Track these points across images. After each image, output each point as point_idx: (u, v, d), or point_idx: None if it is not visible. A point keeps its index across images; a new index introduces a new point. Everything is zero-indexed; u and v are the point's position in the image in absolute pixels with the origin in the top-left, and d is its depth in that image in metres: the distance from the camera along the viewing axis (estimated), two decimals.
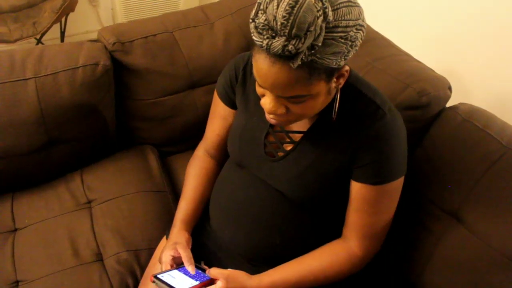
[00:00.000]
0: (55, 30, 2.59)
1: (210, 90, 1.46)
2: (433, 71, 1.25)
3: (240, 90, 1.09)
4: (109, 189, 1.34)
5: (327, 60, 0.76)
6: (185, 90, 1.46)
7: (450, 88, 1.21)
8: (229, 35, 1.48)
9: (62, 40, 2.67)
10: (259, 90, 0.87)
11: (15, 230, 1.26)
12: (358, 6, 0.79)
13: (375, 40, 1.41)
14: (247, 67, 1.09)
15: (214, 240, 1.10)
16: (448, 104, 1.23)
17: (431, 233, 1.10)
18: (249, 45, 1.48)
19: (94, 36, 3.10)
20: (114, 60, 1.37)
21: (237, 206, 1.06)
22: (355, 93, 0.96)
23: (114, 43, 1.37)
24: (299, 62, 0.74)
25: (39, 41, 2.47)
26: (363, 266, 1.02)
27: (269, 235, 1.03)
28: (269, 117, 0.90)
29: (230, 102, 1.14)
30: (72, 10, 2.47)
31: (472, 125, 1.12)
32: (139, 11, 3.05)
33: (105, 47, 1.37)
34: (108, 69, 1.32)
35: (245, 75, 1.09)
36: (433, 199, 1.12)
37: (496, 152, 1.05)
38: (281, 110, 0.86)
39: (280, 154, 1.02)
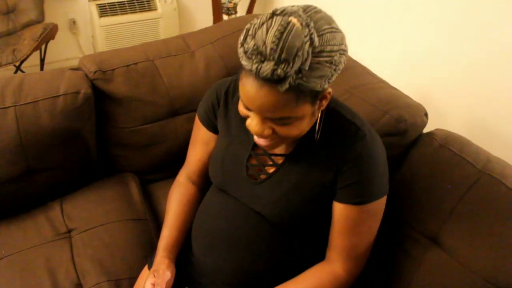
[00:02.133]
0: (35, 57, 2.58)
1: (191, 118, 1.47)
2: (409, 98, 1.29)
3: (222, 114, 1.11)
4: (90, 218, 1.32)
5: (313, 83, 0.79)
6: (166, 118, 1.47)
7: (426, 115, 1.25)
8: (209, 64, 1.50)
9: (41, 67, 2.66)
10: (243, 111, 0.89)
11: None
12: (340, 32, 0.83)
13: (353, 68, 1.45)
14: (229, 91, 1.11)
15: (197, 267, 1.10)
16: (424, 130, 1.27)
17: (410, 257, 1.11)
18: (229, 73, 1.50)
19: (74, 63, 3.11)
20: (95, 88, 1.37)
21: (219, 232, 1.06)
22: (336, 115, 0.98)
23: (95, 72, 1.37)
24: (287, 86, 0.77)
25: (18, 68, 2.46)
26: (349, 286, 1.02)
27: (252, 261, 1.03)
28: (257, 139, 0.92)
29: (212, 127, 1.15)
30: (53, 38, 2.47)
31: (448, 150, 1.15)
32: (119, 39, 3.07)
33: (86, 76, 1.37)
34: (89, 97, 1.32)
35: (227, 99, 1.11)
36: (412, 223, 1.13)
37: (472, 176, 1.08)
38: (268, 132, 0.87)
39: (263, 176, 1.03)
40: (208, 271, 1.07)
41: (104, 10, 3.00)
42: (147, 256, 1.22)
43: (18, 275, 1.17)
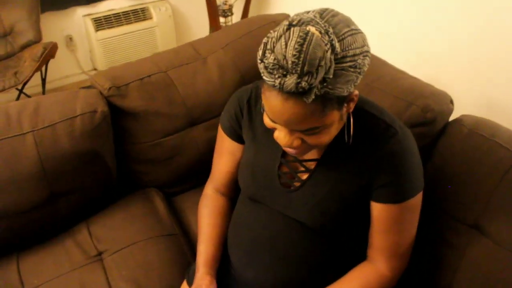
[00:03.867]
0: (36, 77, 2.55)
1: (210, 126, 1.46)
2: (432, 86, 1.27)
3: (246, 124, 1.09)
4: (119, 238, 1.30)
5: (339, 89, 0.77)
6: (185, 128, 1.44)
7: (452, 102, 1.23)
8: (223, 69, 1.48)
9: (43, 87, 2.63)
10: (270, 124, 0.87)
11: None
12: (360, 32, 0.80)
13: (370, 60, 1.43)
14: (251, 100, 1.08)
15: (237, 279, 1.08)
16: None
17: (454, 247, 1.10)
18: (244, 77, 1.48)
19: (74, 79, 3.11)
20: (110, 105, 1.34)
21: (258, 243, 1.04)
22: (364, 115, 0.96)
23: (109, 88, 1.35)
24: (313, 97, 0.75)
25: (21, 91, 2.43)
26: (393, 286, 1.01)
27: (295, 269, 1.01)
28: (287, 149, 0.90)
29: (237, 137, 1.13)
30: (53, 56, 2.44)
31: (479, 135, 1.13)
32: (117, 51, 3.05)
33: (101, 93, 1.35)
34: (106, 115, 1.30)
35: (250, 108, 1.08)
36: (452, 213, 1.12)
37: (507, 159, 1.06)
38: (297, 143, 0.85)
39: (297, 184, 1.01)
40: (250, 282, 1.05)
41: (100, 24, 2.97)
42: (183, 272, 1.21)
43: None
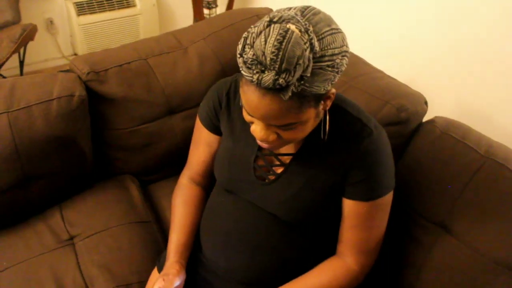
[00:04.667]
0: (14, 59, 2.51)
1: (188, 116, 1.46)
2: (408, 87, 1.30)
3: (224, 116, 1.10)
4: (92, 223, 1.30)
5: (316, 88, 0.78)
6: (163, 117, 1.45)
7: (426, 103, 1.26)
8: (203, 60, 1.48)
9: (21, 69, 2.58)
10: (247, 118, 0.88)
11: None
12: (341, 32, 0.82)
13: (350, 58, 1.45)
14: (230, 92, 1.09)
15: (208, 268, 1.09)
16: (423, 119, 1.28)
17: (420, 244, 1.13)
18: (224, 69, 1.49)
19: (54, 64, 3.06)
20: (89, 90, 1.34)
21: (231, 233, 1.05)
22: (341, 113, 0.98)
23: (88, 73, 1.34)
24: (290, 94, 0.76)
25: None
26: (361, 281, 1.03)
27: (266, 259, 1.02)
28: (261, 143, 0.91)
29: (214, 129, 1.14)
30: (32, 39, 2.40)
31: (450, 137, 1.16)
32: (98, 37, 3.01)
33: (79, 77, 1.34)
34: (83, 100, 1.29)
35: (228, 100, 1.09)
36: (420, 211, 1.15)
37: (476, 162, 1.10)
38: (272, 137, 0.86)
39: (271, 177, 1.02)
40: (221, 271, 1.06)
41: (82, 9, 2.92)
42: (154, 259, 1.21)
43: (22, 287, 1.14)
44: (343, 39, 0.81)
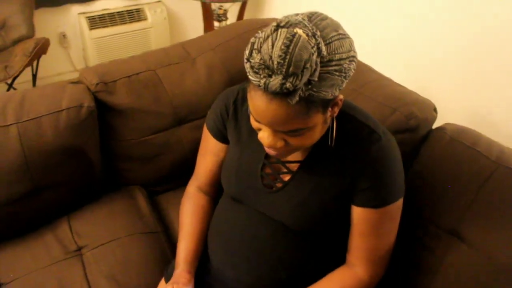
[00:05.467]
0: (27, 73, 2.55)
1: (196, 126, 1.46)
2: (416, 94, 1.29)
3: (232, 125, 1.09)
4: (100, 233, 1.30)
5: (323, 93, 0.77)
6: (171, 127, 1.45)
7: (435, 110, 1.25)
8: (211, 70, 1.48)
9: (34, 83, 2.63)
10: (255, 124, 0.88)
11: (0, 285, 1.20)
12: (348, 37, 0.81)
13: (357, 66, 1.44)
14: (237, 101, 1.09)
15: (217, 278, 1.07)
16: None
17: (432, 252, 1.10)
18: (232, 79, 1.49)
19: (66, 77, 3.11)
20: (97, 101, 1.34)
21: (238, 242, 1.04)
22: (349, 119, 0.97)
23: (97, 84, 1.35)
24: (297, 98, 0.75)
25: (10, 86, 2.42)
26: None
27: (274, 269, 1.01)
28: (269, 150, 0.90)
29: (221, 137, 1.13)
30: (44, 52, 2.44)
31: (461, 144, 1.14)
32: (110, 50, 3.05)
33: (88, 88, 1.35)
34: (92, 111, 1.30)
35: (236, 109, 1.09)
36: (432, 219, 1.12)
37: (487, 168, 1.08)
38: (280, 144, 0.86)
39: (279, 185, 1.01)
40: (229, 281, 1.05)
41: (94, 23, 2.97)
42: (162, 270, 1.20)
43: None
44: (351, 44, 0.81)
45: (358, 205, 0.96)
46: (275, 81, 0.73)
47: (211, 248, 1.10)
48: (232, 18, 3.14)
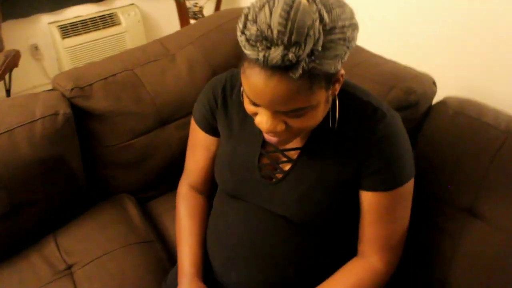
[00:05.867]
0: None
1: (182, 125, 1.38)
2: (412, 69, 1.22)
3: (221, 115, 1.01)
4: (90, 248, 1.20)
5: (327, 65, 0.70)
6: (155, 128, 1.36)
7: (434, 83, 1.18)
8: (192, 65, 1.40)
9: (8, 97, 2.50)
10: (250, 108, 0.80)
11: None
12: (348, 5, 0.74)
13: None
14: (226, 89, 1.01)
15: (220, 283, 0.99)
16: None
17: (448, 234, 1.03)
18: (215, 72, 1.40)
19: (41, 90, 2.97)
20: (74, 107, 1.25)
21: (240, 242, 0.96)
22: (349, 97, 0.90)
23: (72, 89, 1.26)
24: (300, 71, 0.67)
25: None
26: (387, 281, 0.94)
27: (281, 268, 0.93)
28: (268, 137, 0.82)
29: (211, 130, 1.05)
30: (16, 65, 2.32)
31: (466, 116, 1.08)
32: (86, 59, 2.94)
33: (63, 95, 1.25)
34: (69, 118, 1.20)
35: (225, 97, 1.01)
36: (443, 198, 1.05)
37: (497, 139, 1.01)
38: (281, 127, 0.77)
39: (279, 175, 0.93)
40: (233, 286, 0.97)
41: (66, 31, 2.86)
42: (161, 280, 1.12)
43: None
44: (352, 12, 0.74)
45: (367, 189, 0.89)
46: (276, 53, 0.65)
47: (211, 251, 1.02)
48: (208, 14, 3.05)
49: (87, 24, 2.93)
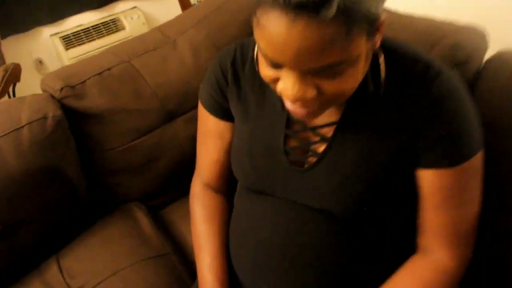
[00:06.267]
0: None
1: (191, 119, 1.21)
2: (453, 22, 1.02)
3: (233, 93, 0.83)
4: (97, 269, 1.04)
5: (367, 3, 0.53)
6: (161, 125, 1.20)
7: (485, 36, 0.98)
8: (196, 49, 1.23)
9: None
10: (269, 74, 0.62)
11: None
12: None
13: None
14: (236, 61, 0.83)
15: None
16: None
17: None
18: None
19: None
20: (66, 109, 1.10)
21: (268, 248, 0.77)
22: (391, 53, 0.71)
23: (61, 89, 1.11)
24: (334, 11, 0.50)
25: None
26: (460, 279, 0.74)
27: (323, 276, 0.74)
28: (295, 109, 0.64)
29: (223, 113, 0.87)
30: (18, 80, 2.20)
31: None
32: None
33: (52, 96, 1.10)
34: (59, 121, 1.05)
35: (236, 71, 0.83)
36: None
37: None
38: (311, 93, 0.59)
39: (312, 159, 0.75)
40: None
41: (70, 41, 2.75)
42: None
43: None
44: None
45: (427, 167, 0.69)
46: None
47: (235, 260, 0.84)
48: None
49: (90, 32, 2.81)
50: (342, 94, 0.62)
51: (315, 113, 0.65)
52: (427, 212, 0.72)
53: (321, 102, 0.61)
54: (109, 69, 1.17)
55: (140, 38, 1.28)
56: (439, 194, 0.70)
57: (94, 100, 1.13)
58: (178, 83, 1.20)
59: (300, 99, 0.60)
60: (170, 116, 1.20)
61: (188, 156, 1.20)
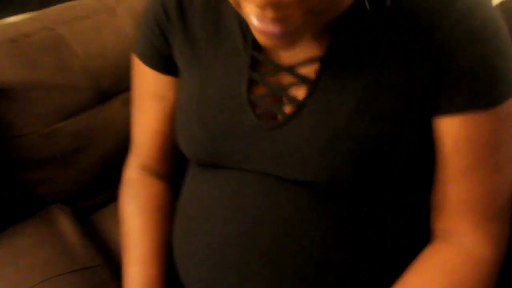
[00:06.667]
0: None
1: (130, 99, 1.00)
2: None
3: (177, 29, 0.62)
4: (4, 286, 0.79)
5: None
6: (93, 105, 0.97)
7: None
8: (139, 17, 1.03)
9: None
10: None
11: None
12: None
13: None
14: None
15: None
16: None
17: None
18: None
19: None
20: None
21: (229, 244, 0.55)
22: None
23: None
24: None
25: None
26: (499, 269, 0.53)
27: (312, 279, 0.52)
28: (265, 27, 0.42)
29: (163, 63, 0.66)
30: None
31: None
32: None
33: None
34: None
35: (181, 6, 0.61)
36: None
37: None
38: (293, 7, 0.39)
39: (287, 109, 0.54)
40: None
41: None
42: None
43: None
44: None
45: (451, 111, 0.49)
46: None
47: (180, 265, 0.61)
48: None
49: None
50: (329, 9, 0.41)
51: (294, 36, 0.44)
52: (451, 180, 0.52)
53: (304, 14, 0.41)
54: (27, 35, 0.94)
55: (70, 4, 1.07)
56: (465, 151, 0.50)
57: (5, 73, 0.90)
58: (115, 55, 0.99)
59: (278, 17, 0.39)
60: (103, 96, 0.98)
61: (126, 145, 0.97)
